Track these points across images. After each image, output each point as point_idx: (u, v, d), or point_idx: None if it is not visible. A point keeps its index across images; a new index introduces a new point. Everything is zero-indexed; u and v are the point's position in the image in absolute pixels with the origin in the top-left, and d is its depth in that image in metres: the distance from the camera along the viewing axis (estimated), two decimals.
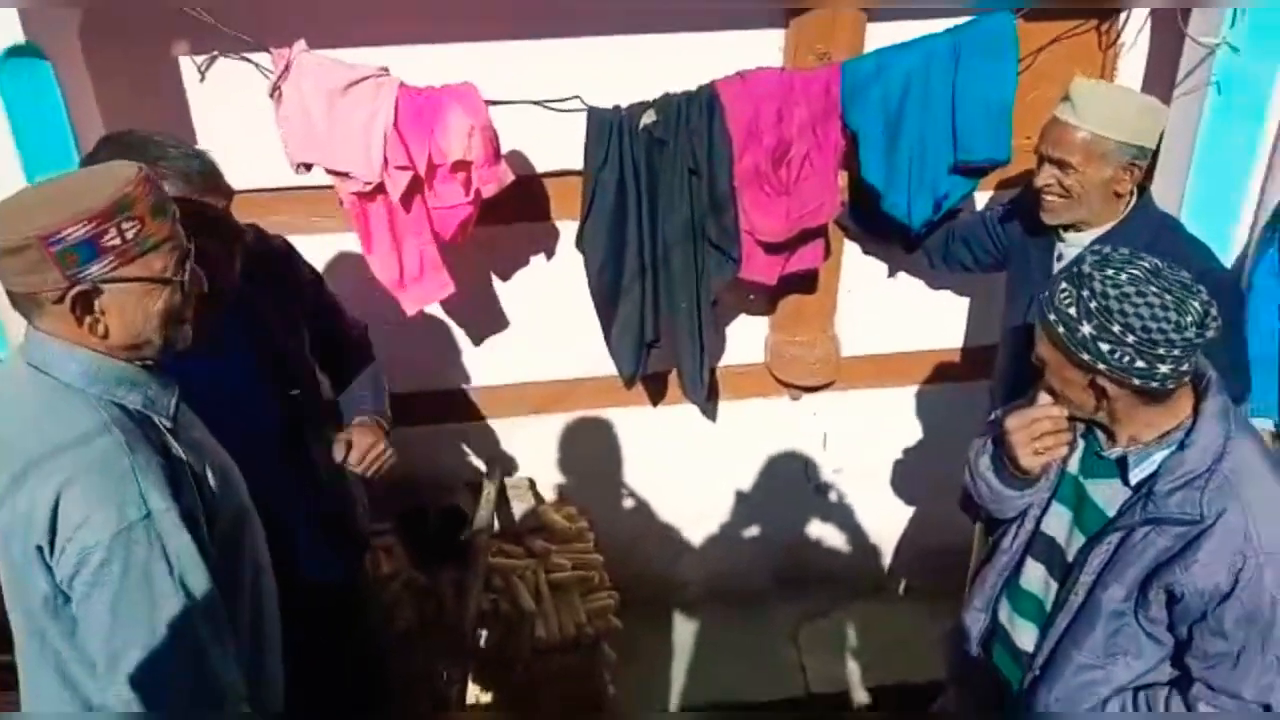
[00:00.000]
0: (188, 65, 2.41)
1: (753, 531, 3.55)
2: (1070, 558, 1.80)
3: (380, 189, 2.35)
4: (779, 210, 2.58)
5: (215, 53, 2.31)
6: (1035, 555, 1.90)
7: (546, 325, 2.99)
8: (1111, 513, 1.72)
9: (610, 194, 2.50)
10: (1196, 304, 1.50)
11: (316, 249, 2.72)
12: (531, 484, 3.24)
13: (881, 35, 2.56)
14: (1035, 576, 1.90)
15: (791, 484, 3.47)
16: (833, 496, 3.53)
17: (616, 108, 2.44)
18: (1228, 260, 2.63)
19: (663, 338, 2.77)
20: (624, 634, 3.13)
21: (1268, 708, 1.62)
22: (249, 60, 2.29)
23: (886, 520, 3.60)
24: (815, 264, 2.79)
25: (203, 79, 2.36)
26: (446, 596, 2.87)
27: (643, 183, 2.51)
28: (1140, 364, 1.50)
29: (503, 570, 3.00)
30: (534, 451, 3.24)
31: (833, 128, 2.53)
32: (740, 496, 3.48)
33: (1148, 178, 2.63)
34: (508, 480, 3.20)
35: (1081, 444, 1.79)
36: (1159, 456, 1.63)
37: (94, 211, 1.31)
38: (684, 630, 3.52)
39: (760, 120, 2.46)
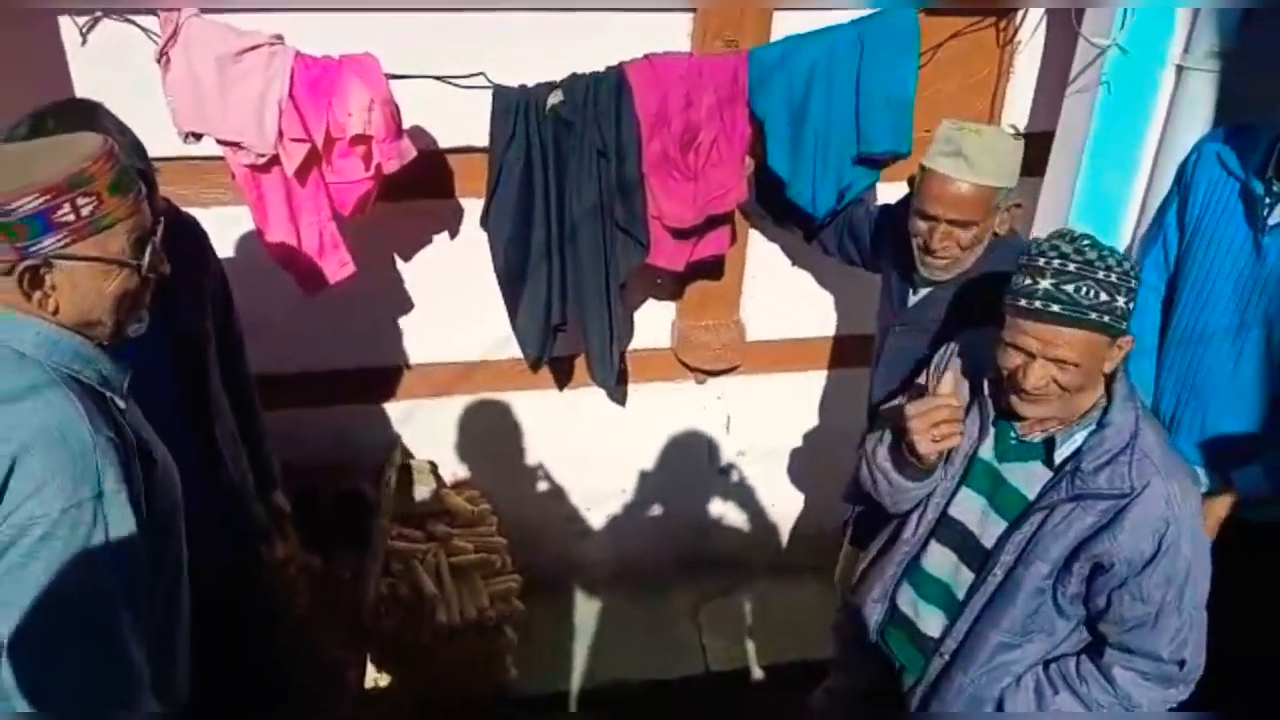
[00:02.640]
0: (67, 26, 2.28)
1: (656, 513, 3.57)
2: (987, 542, 1.85)
3: (275, 162, 2.27)
4: (687, 196, 2.58)
5: (98, 13, 2.19)
6: (943, 541, 1.94)
7: (450, 305, 2.94)
8: (1032, 494, 1.78)
9: (516, 174, 2.47)
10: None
11: (208, 223, 2.62)
12: (433, 467, 3.19)
13: (788, 24, 2.58)
14: (943, 561, 1.94)
15: (695, 466, 3.51)
16: (735, 478, 3.58)
17: (523, 86, 2.41)
18: None
19: (569, 321, 2.76)
20: (527, 617, 3.12)
21: (1182, 664, 1.74)
22: (134, 23, 2.18)
23: (787, 501, 3.66)
24: (721, 250, 2.81)
25: (84, 41, 2.24)
26: (344, 581, 2.82)
27: (550, 164, 2.49)
28: (1133, 304, 1.64)
29: (403, 554, 2.95)
30: (437, 434, 3.19)
31: (740, 115, 2.54)
32: (644, 479, 3.49)
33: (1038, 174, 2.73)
34: (409, 463, 3.14)
35: (993, 431, 1.84)
36: (1081, 435, 1.72)
37: (48, 184, 1.24)
38: (586, 612, 3.53)
39: (668, 105, 2.46)
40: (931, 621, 1.97)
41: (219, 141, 2.25)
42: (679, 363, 3.20)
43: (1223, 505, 2.28)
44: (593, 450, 3.36)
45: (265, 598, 2.39)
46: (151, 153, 2.30)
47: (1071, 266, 1.60)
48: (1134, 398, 1.73)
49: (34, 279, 1.29)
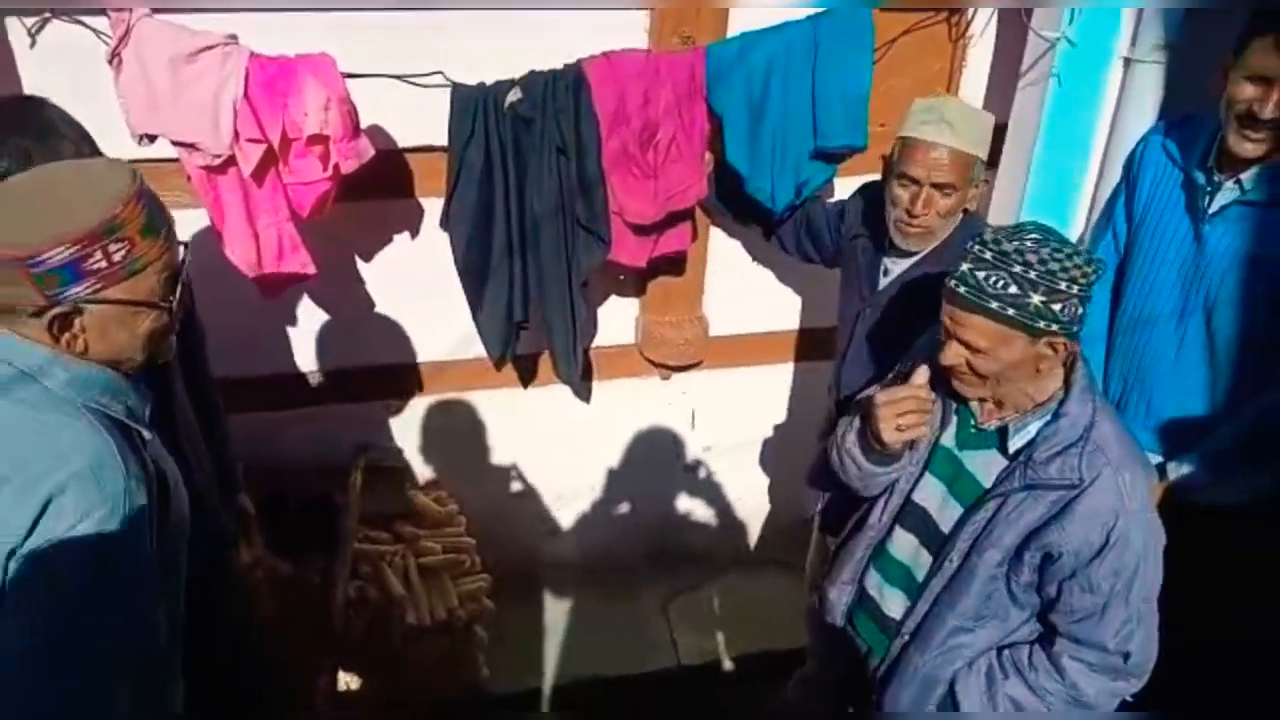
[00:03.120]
0: (15, 28, 2.24)
1: (624, 509, 3.58)
2: (945, 527, 1.89)
3: (231, 163, 2.26)
4: (647, 192, 2.60)
5: (47, 14, 2.16)
6: (906, 526, 1.98)
7: (413, 306, 2.93)
8: (988, 482, 1.81)
9: (476, 172, 2.47)
10: (1077, 246, 1.66)
11: None
12: (400, 468, 3.18)
13: (744, 21, 2.60)
14: (906, 545, 1.98)
15: (662, 462, 3.52)
16: (701, 473, 3.60)
17: (481, 84, 2.41)
18: None
19: (533, 318, 2.76)
20: (497, 616, 3.12)
21: (1126, 656, 1.76)
22: (84, 24, 2.15)
23: (754, 495, 3.69)
24: (683, 246, 2.83)
25: (33, 43, 2.20)
26: (312, 585, 2.80)
27: (509, 161, 2.49)
28: (1080, 310, 1.63)
29: (370, 556, 2.94)
30: (402, 435, 3.18)
31: (698, 111, 2.56)
32: (611, 475, 3.50)
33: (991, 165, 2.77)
34: (375, 465, 3.13)
35: (955, 419, 1.87)
36: (1035, 426, 1.74)
37: (79, 234, 1.21)
38: (557, 610, 3.54)
39: (627, 102, 2.47)
40: (894, 603, 2.01)
41: (174, 143, 2.23)
42: (643, 359, 3.21)
43: (1155, 490, 2.33)
44: (559, 448, 3.36)
45: (234, 604, 2.37)
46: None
47: (988, 255, 1.62)
48: (1092, 390, 1.74)
49: (63, 324, 1.27)
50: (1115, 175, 2.51)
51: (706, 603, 3.61)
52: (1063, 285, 1.60)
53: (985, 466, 1.82)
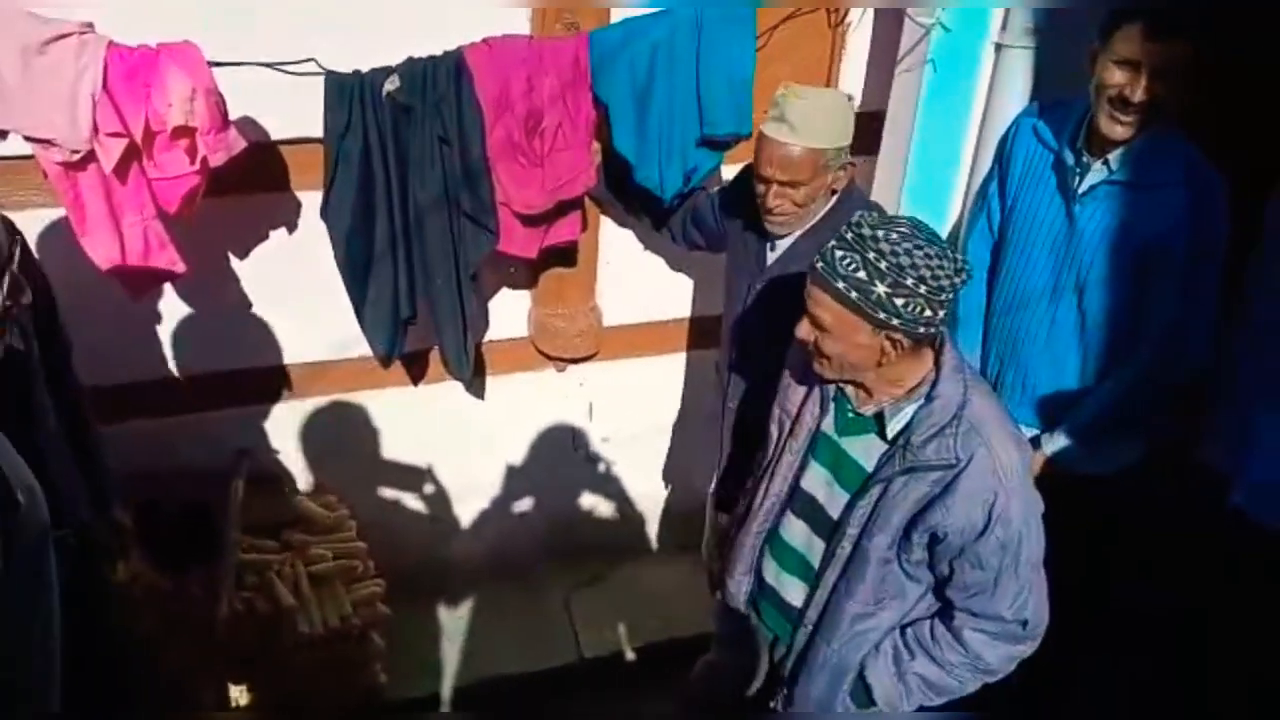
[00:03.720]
0: None
1: (523, 505, 3.54)
2: (834, 514, 1.91)
3: (91, 158, 2.13)
4: (534, 181, 2.56)
5: None
6: (796, 513, 2.00)
7: (292, 304, 2.82)
8: (870, 467, 1.83)
9: (354, 163, 2.39)
10: (949, 251, 1.64)
11: (20, 227, 2.44)
12: (285, 474, 3.07)
13: (627, 8, 2.58)
14: (798, 532, 2.00)
15: (560, 455, 3.49)
16: (600, 465, 3.58)
17: (357, 72, 2.33)
18: (945, 227, 2.87)
19: (420, 314, 2.69)
20: (394, 620, 3.04)
21: (1024, 623, 1.82)
22: None
23: (652, 485, 3.70)
24: (573, 236, 2.80)
25: None
26: (195, 597, 2.68)
27: (390, 151, 2.42)
28: (928, 313, 1.62)
29: (257, 566, 2.83)
30: (286, 439, 3.07)
31: (584, 98, 2.53)
32: (509, 471, 3.46)
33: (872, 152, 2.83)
34: (257, 471, 3.01)
35: (833, 406, 1.89)
36: (910, 409, 1.76)
37: None
38: (456, 610, 3.48)
39: (510, 89, 2.43)
40: (794, 591, 2.03)
41: (27, 139, 2.10)
42: (538, 352, 3.17)
43: (1037, 461, 2.42)
44: (454, 446, 3.30)
45: (109, 617, 2.25)
46: None
47: (849, 235, 1.64)
48: (963, 369, 1.76)
49: None
50: (989, 159, 2.59)
51: (608, 595, 3.60)
52: (909, 281, 1.59)
53: (866, 451, 1.85)
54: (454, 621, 3.44)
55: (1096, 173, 2.29)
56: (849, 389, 1.85)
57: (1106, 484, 2.49)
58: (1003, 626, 1.82)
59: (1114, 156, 2.26)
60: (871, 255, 1.60)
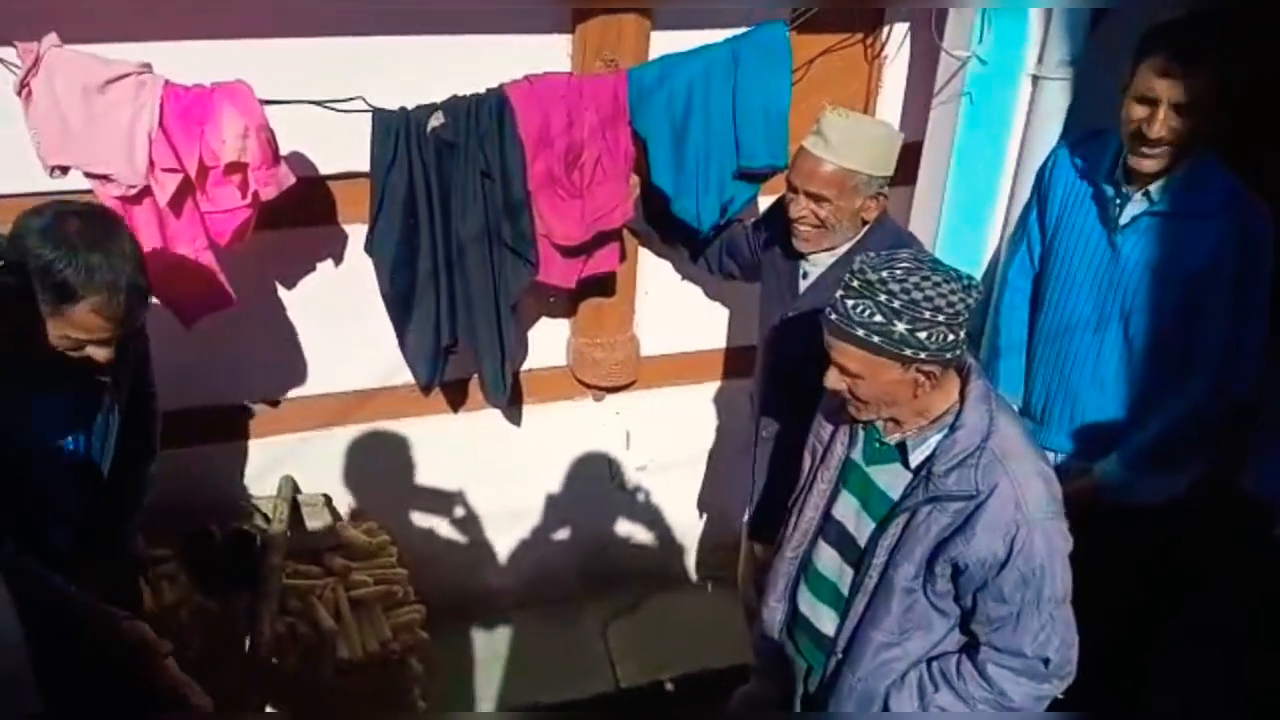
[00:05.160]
0: None
1: (560, 534, 3.56)
2: (861, 543, 1.90)
3: (147, 193, 2.20)
4: (574, 214, 2.60)
5: None
6: (829, 541, 1.99)
7: (338, 334, 2.88)
8: (895, 496, 1.82)
9: (399, 197, 2.45)
10: (955, 273, 1.66)
11: None
12: (327, 500, 3.11)
13: (665, 44, 2.63)
14: (830, 561, 2.00)
15: (596, 484, 3.51)
16: (637, 494, 3.59)
17: (403, 109, 2.39)
18: (983, 259, 2.87)
19: (461, 342, 2.74)
20: (433, 646, 3.07)
21: (1046, 661, 1.78)
22: None
23: (688, 514, 3.69)
24: (612, 267, 2.84)
25: None
26: (239, 622, 2.73)
27: (433, 186, 2.48)
28: (950, 338, 1.63)
29: (299, 591, 2.87)
30: (329, 466, 3.12)
31: (622, 133, 2.58)
32: (546, 499, 3.48)
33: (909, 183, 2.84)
34: (300, 498, 3.06)
35: (862, 435, 1.89)
36: (934, 439, 1.76)
37: None
38: (494, 638, 3.49)
39: (550, 125, 2.48)
40: (827, 621, 2.03)
41: (87, 175, 2.17)
42: (576, 380, 3.21)
43: (1082, 486, 2.40)
44: (493, 473, 3.33)
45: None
46: (17, 188, 2.24)
47: (856, 283, 1.65)
48: (989, 399, 1.75)
49: None
50: (1028, 190, 2.59)
51: (644, 623, 3.59)
52: (927, 314, 1.61)
53: (892, 481, 1.84)
54: (491, 648, 3.46)
55: (1137, 204, 2.29)
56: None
57: (1155, 514, 2.46)
58: (1025, 663, 1.79)
59: (1155, 188, 2.25)
60: (883, 297, 1.62)
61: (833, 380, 1.74)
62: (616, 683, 3.37)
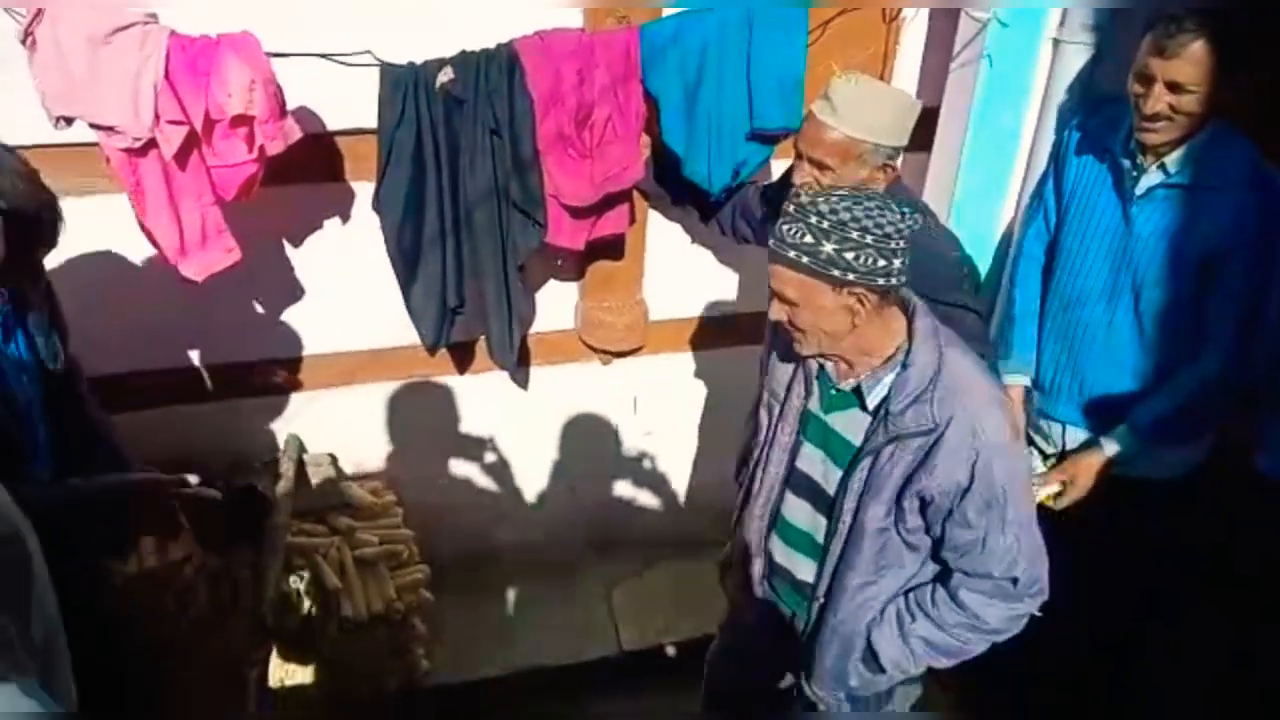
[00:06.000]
0: None
1: (565, 496, 3.56)
2: (830, 490, 1.95)
3: (152, 145, 2.17)
4: (583, 173, 2.57)
5: None
6: (797, 493, 2.04)
7: (344, 292, 2.86)
8: (858, 441, 1.87)
9: (407, 154, 2.41)
10: (895, 203, 1.70)
11: (86, 211, 2.49)
12: (333, 459, 3.11)
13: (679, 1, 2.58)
14: (801, 512, 2.04)
15: (602, 448, 3.50)
16: (643, 459, 3.59)
17: (411, 64, 2.36)
18: (999, 225, 2.83)
19: (469, 303, 2.71)
20: (436, 607, 3.08)
21: (1015, 580, 1.84)
22: None
23: (694, 479, 3.69)
24: (621, 229, 2.80)
25: None
26: (243, 579, 2.73)
27: (441, 142, 2.44)
28: (881, 262, 1.66)
29: (304, 549, 2.88)
30: (335, 425, 3.11)
31: (634, 91, 2.53)
32: (552, 463, 3.48)
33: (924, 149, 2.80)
34: (306, 456, 3.06)
35: (817, 385, 1.93)
36: (888, 379, 1.79)
37: None
38: (498, 600, 3.51)
39: (561, 82, 2.44)
40: (804, 568, 2.08)
41: (92, 126, 2.14)
42: (583, 344, 3.19)
43: (1092, 461, 2.39)
44: (498, 435, 3.33)
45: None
46: (22, 139, 2.21)
47: (791, 208, 1.69)
48: (937, 334, 1.79)
49: None
50: (1045, 157, 2.55)
51: (648, 588, 3.60)
52: (854, 234, 1.63)
53: (851, 426, 1.88)
54: (495, 610, 3.47)
55: (1153, 175, 2.26)
56: (829, 365, 1.88)
57: (1165, 489, 2.45)
58: (994, 585, 1.85)
59: (1171, 159, 2.22)
60: (813, 219, 1.65)
61: (774, 311, 1.77)
62: (619, 646, 3.38)
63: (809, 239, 1.65)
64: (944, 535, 1.84)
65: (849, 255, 1.64)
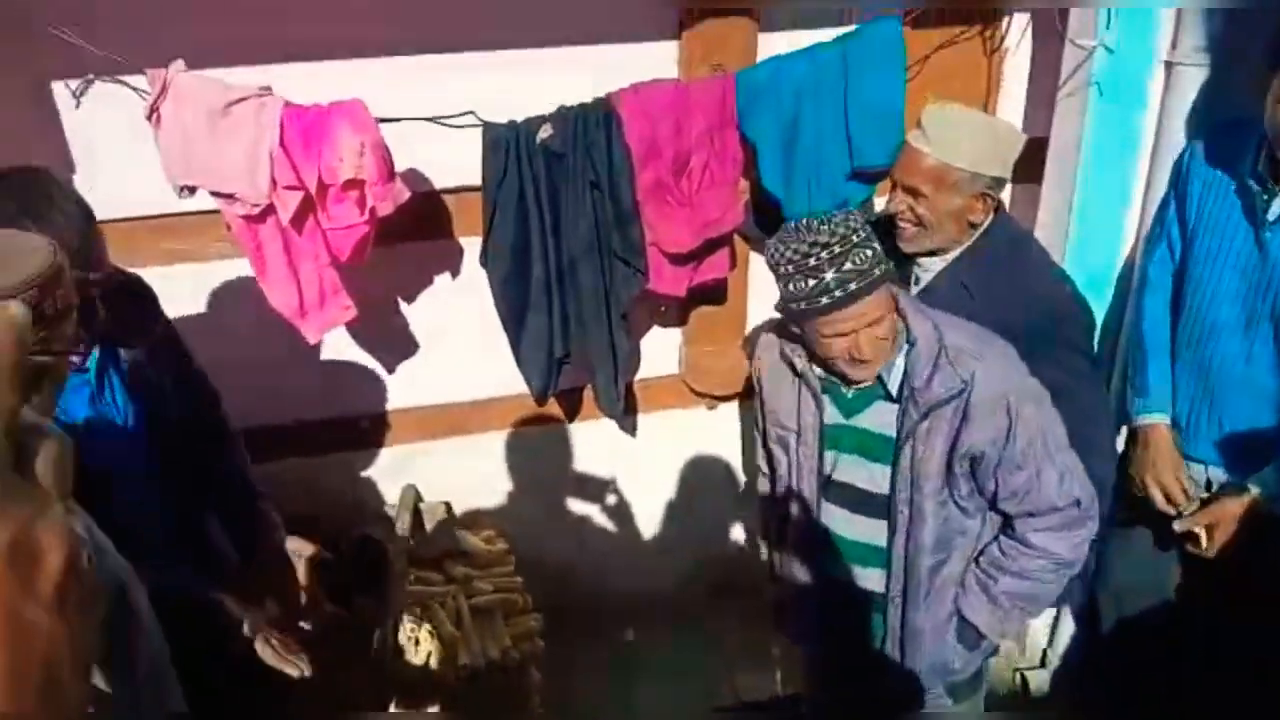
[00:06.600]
0: (61, 91, 2.32)
1: (677, 543, 3.54)
2: (879, 489, 1.96)
3: (270, 211, 2.29)
4: (682, 221, 2.58)
5: (90, 76, 2.22)
6: (841, 505, 2.03)
7: (455, 345, 2.94)
8: (892, 431, 1.89)
9: (511, 210, 2.47)
10: (837, 213, 1.81)
11: (208, 275, 2.65)
12: (448, 508, 3.18)
13: (773, 46, 2.59)
14: (852, 524, 2.04)
15: (714, 493, 3.48)
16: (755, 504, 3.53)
17: (512, 122, 2.42)
18: (1120, 256, 2.71)
19: (574, 353, 2.75)
20: (550, 656, 3.08)
21: (1078, 503, 1.89)
22: (125, 83, 2.21)
23: None
24: (722, 274, 2.80)
25: (78, 104, 2.27)
26: (364, 627, 2.80)
27: (543, 197, 2.50)
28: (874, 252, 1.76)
29: (422, 598, 2.93)
30: (447, 474, 3.18)
31: (730, 138, 2.54)
32: (662, 509, 3.47)
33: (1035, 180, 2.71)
34: (422, 506, 3.13)
35: (826, 398, 1.96)
36: (899, 361, 1.86)
37: (41, 275, 1.19)
38: (610, 648, 3.49)
39: (658, 133, 2.47)
40: (871, 578, 2.07)
41: (213, 194, 2.27)
42: (689, 389, 3.18)
43: (1238, 506, 2.23)
44: (608, 483, 3.35)
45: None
46: (148, 209, 2.36)
47: (838, 248, 1.72)
48: (922, 307, 1.89)
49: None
50: (1164, 184, 2.44)
51: (764, 636, 3.52)
52: (837, 250, 1.72)
53: (881, 419, 1.92)
54: (607, 659, 3.45)
55: None
56: (840, 371, 1.89)
57: None
58: (1061, 516, 1.89)
59: None
60: (856, 239, 1.74)
61: (871, 347, 1.79)
62: (737, 697, 3.31)
63: (869, 253, 1.74)
64: (998, 487, 1.88)
65: (858, 266, 1.73)
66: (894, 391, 1.87)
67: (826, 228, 1.74)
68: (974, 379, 1.80)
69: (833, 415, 1.97)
